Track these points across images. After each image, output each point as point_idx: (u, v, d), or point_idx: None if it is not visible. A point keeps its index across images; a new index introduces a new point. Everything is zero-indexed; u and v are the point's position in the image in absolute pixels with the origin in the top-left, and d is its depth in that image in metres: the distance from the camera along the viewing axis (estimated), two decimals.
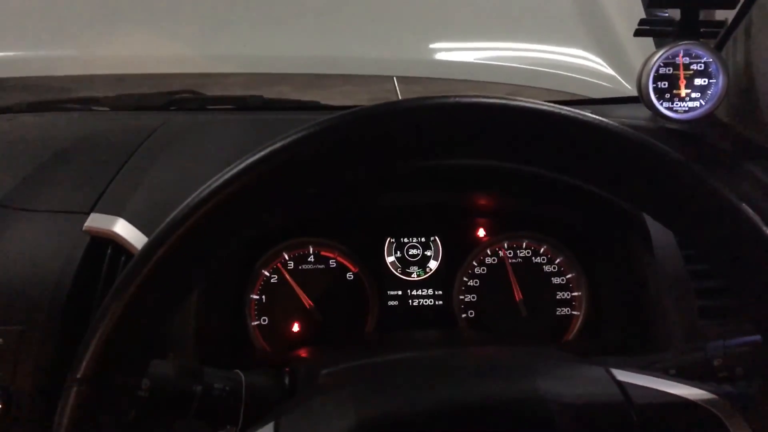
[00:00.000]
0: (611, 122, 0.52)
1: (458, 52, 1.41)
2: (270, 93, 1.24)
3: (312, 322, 0.88)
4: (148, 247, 0.52)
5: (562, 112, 0.50)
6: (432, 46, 1.40)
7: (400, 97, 1.60)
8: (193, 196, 0.53)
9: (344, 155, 0.53)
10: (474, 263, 0.91)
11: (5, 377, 0.68)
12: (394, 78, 1.61)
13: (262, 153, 0.52)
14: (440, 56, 1.41)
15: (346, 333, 0.89)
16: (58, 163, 0.89)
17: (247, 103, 1.22)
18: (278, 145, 0.53)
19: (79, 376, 0.47)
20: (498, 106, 0.50)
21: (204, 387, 0.61)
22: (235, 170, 0.51)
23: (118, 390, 0.51)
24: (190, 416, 0.61)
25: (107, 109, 1.16)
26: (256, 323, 0.88)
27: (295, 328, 0.89)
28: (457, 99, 0.50)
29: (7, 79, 1.29)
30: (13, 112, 1.15)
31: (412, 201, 0.90)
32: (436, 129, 0.51)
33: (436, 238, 0.92)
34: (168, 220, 0.53)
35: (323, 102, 1.25)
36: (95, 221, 0.78)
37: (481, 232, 0.92)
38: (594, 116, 0.51)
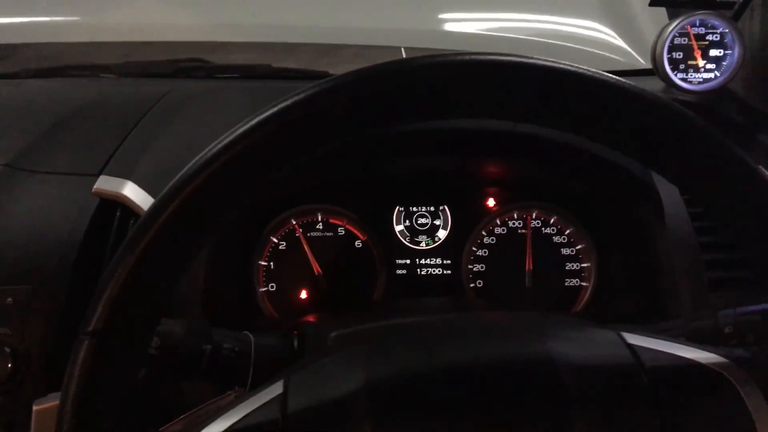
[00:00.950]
0: (627, 81, 0.51)
1: (467, 24, 1.40)
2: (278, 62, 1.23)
3: (319, 289, 0.88)
4: (159, 202, 0.52)
5: (575, 69, 0.49)
6: (441, 16, 1.39)
7: None
8: (204, 152, 0.53)
9: (358, 111, 0.53)
10: (483, 233, 0.91)
11: (14, 337, 0.68)
12: (402, 49, 1.60)
13: (273, 110, 0.52)
14: (449, 27, 1.40)
15: (354, 300, 0.89)
16: (66, 128, 0.89)
17: (255, 72, 1.21)
18: (290, 101, 0.52)
19: (90, 328, 0.47)
20: (514, 64, 0.49)
21: (213, 347, 0.61)
22: (246, 126, 0.51)
23: (128, 346, 0.51)
24: (198, 376, 0.61)
25: (114, 75, 1.15)
26: (264, 289, 0.88)
27: (303, 294, 0.88)
28: (473, 56, 0.49)
29: (15, 45, 1.28)
30: (20, 77, 1.14)
31: (422, 167, 0.89)
32: (453, 86, 0.50)
33: (446, 207, 0.91)
34: (179, 175, 0.53)
35: (332, 71, 1.24)
36: (104, 183, 0.78)
37: (491, 202, 0.91)
38: (609, 75, 0.50)
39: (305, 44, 1.38)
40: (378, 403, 0.47)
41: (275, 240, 0.88)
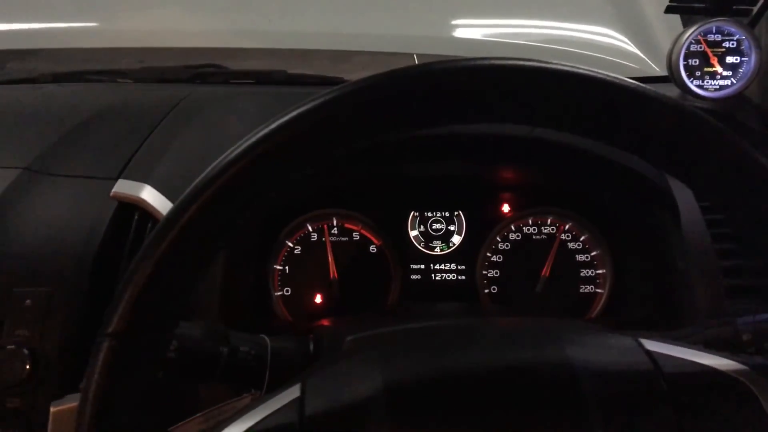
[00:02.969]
0: (648, 87, 0.51)
1: (480, 30, 1.40)
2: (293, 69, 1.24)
3: (334, 294, 0.88)
4: (179, 206, 0.52)
5: (600, 75, 0.49)
6: (454, 23, 1.39)
7: None
8: (224, 156, 0.53)
9: (376, 116, 0.53)
10: (498, 239, 0.91)
11: (32, 338, 0.68)
12: (415, 55, 1.60)
13: (292, 114, 0.52)
14: (462, 34, 1.40)
15: (368, 305, 0.89)
16: (84, 132, 0.90)
17: (271, 78, 1.21)
18: (309, 106, 0.52)
19: (111, 330, 0.47)
20: (529, 68, 0.49)
21: (230, 349, 0.62)
22: (265, 130, 0.51)
23: (148, 348, 0.51)
24: (215, 378, 0.62)
25: (131, 81, 1.16)
26: (279, 294, 0.88)
27: (318, 299, 0.89)
28: (492, 61, 0.49)
29: (34, 51, 1.29)
30: (38, 82, 1.16)
31: (437, 173, 0.89)
32: (471, 90, 0.51)
33: (460, 212, 0.91)
34: (198, 179, 0.53)
35: (347, 78, 1.24)
36: (122, 187, 0.79)
37: (506, 208, 0.91)
38: (630, 80, 0.50)
39: (320, 51, 1.38)
40: (396, 406, 0.47)
41: (290, 244, 0.89)
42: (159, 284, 0.51)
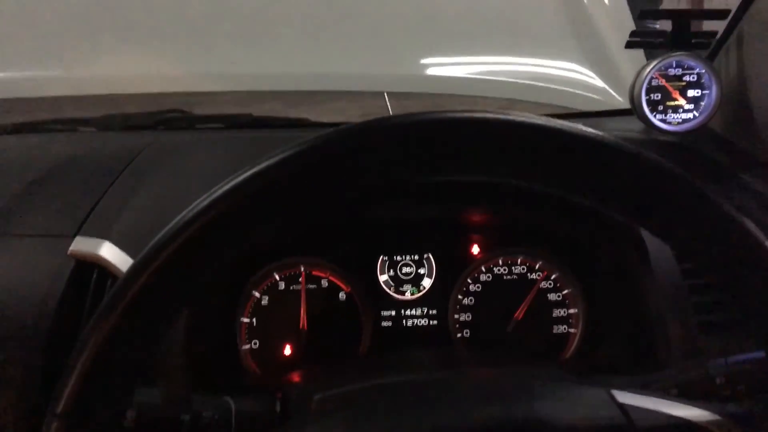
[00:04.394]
0: (605, 134, 0.50)
1: (450, 67, 1.40)
2: (260, 111, 1.23)
3: (304, 344, 0.86)
4: (130, 273, 0.51)
5: (556, 125, 0.49)
6: (423, 61, 1.40)
7: (391, 113, 1.60)
8: (178, 219, 0.52)
9: (332, 173, 0.52)
10: (468, 281, 0.89)
11: None
12: (385, 94, 1.60)
13: (246, 174, 0.51)
14: (432, 71, 1.41)
15: (339, 354, 0.87)
16: (43, 185, 0.87)
17: (236, 121, 1.20)
18: (262, 166, 0.51)
19: (58, 411, 0.45)
20: (481, 120, 0.49)
21: (192, 416, 0.59)
22: (220, 191, 0.50)
23: (101, 423, 0.49)
24: None
25: (94, 129, 1.14)
26: (247, 347, 0.86)
27: (287, 350, 0.87)
28: (447, 114, 0.49)
29: None
30: None
31: (404, 217, 0.88)
32: (427, 145, 0.50)
33: (430, 255, 0.90)
34: (154, 240, 0.52)
35: (312, 119, 1.24)
36: (80, 244, 0.76)
37: (475, 249, 0.90)
38: (588, 128, 0.50)
39: (287, 92, 1.38)
40: None
41: (257, 295, 0.87)
42: (111, 357, 0.49)
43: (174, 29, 1.37)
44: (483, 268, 0.90)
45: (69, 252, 0.75)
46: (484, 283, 0.89)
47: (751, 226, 0.47)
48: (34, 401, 0.66)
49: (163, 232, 0.51)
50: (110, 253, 0.76)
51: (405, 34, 1.41)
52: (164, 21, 1.37)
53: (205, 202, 0.50)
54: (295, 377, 0.79)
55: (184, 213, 0.51)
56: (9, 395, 0.66)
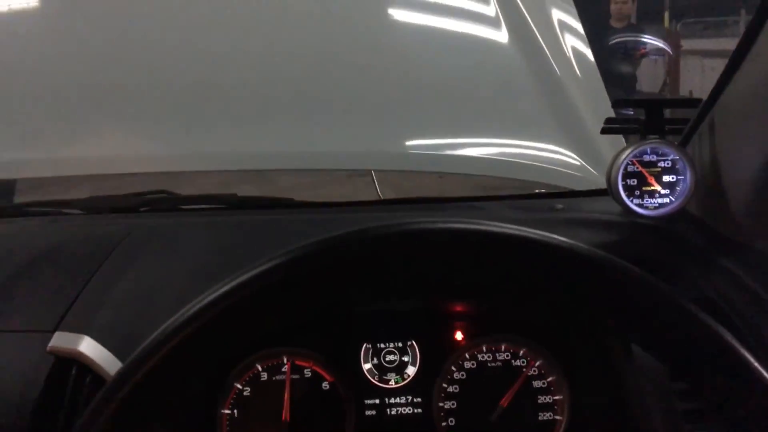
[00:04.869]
0: (572, 242, 0.51)
1: (433, 146, 1.43)
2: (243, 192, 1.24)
3: None
4: (115, 381, 0.51)
5: (528, 234, 0.50)
6: (409, 142, 1.42)
7: (378, 191, 1.62)
8: (165, 326, 0.52)
9: (316, 280, 0.53)
10: (453, 368, 0.89)
11: None
12: (372, 172, 1.63)
13: (228, 287, 0.52)
14: (415, 150, 1.43)
15: None
16: (21, 277, 0.87)
17: (221, 202, 1.21)
18: (246, 276, 0.52)
19: None
20: (447, 230, 0.50)
21: None
22: (198, 306, 0.50)
23: None
24: None
25: (78, 212, 1.15)
26: None
27: None
28: (410, 225, 0.50)
29: None
30: None
31: (386, 308, 0.88)
32: (403, 254, 0.51)
33: (413, 342, 0.90)
34: (137, 351, 0.52)
35: (297, 199, 1.25)
36: (59, 340, 0.76)
37: (459, 336, 0.90)
38: (558, 238, 0.51)
39: (272, 171, 1.40)
40: None
41: (239, 386, 0.86)
42: None
43: (157, 108, 1.38)
44: (467, 356, 0.89)
45: (48, 349, 0.74)
46: (468, 371, 0.89)
47: (730, 339, 0.48)
48: None
49: (148, 339, 0.51)
50: (90, 348, 0.75)
51: (389, 113, 1.44)
52: (147, 100, 1.39)
53: (186, 315, 0.50)
54: None
55: (171, 320, 0.52)
56: None
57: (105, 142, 1.32)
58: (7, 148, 1.27)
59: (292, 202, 1.24)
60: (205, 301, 0.51)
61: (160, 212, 1.17)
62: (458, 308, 0.89)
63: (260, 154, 1.37)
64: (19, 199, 1.32)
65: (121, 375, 0.50)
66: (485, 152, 1.42)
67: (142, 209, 1.16)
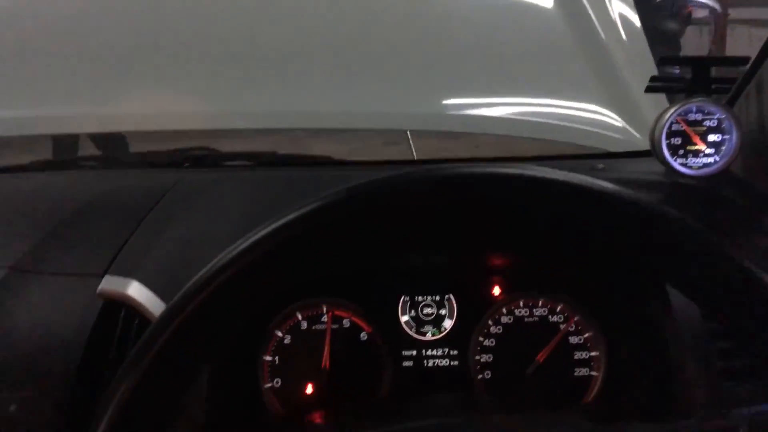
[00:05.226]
0: (625, 190, 0.51)
1: (471, 106, 1.42)
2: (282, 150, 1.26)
3: (326, 384, 0.87)
4: (163, 318, 0.52)
5: (580, 181, 0.50)
6: (445, 101, 1.42)
7: (414, 151, 1.62)
8: (211, 264, 0.53)
9: (358, 224, 0.54)
10: (489, 322, 0.90)
11: None
12: (408, 132, 1.63)
13: (279, 223, 0.53)
14: (452, 111, 1.42)
15: (360, 394, 0.88)
16: (73, 225, 0.90)
17: (261, 159, 1.23)
18: (298, 213, 0.53)
19: None
20: (493, 175, 0.51)
21: None
22: (253, 239, 0.52)
23: None
24: None
25: (123, 167, 1.17)
26: (269, 385, 0.87)
27: (309, 389, 0.87)
28: (451, 170, 0.50)
29: (23, 138, 1.31)
30: (29, 170, 1.17)
31: (426, 259, 0.89)
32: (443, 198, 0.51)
33: (451, 296, 0.91)
34: (184, 289, 0.53)
35: (335, 157, 1.26)
36: (108, 284, 0.78)
37: (497, 290, 0.91)
38: (606, 184, 0.51)
39: (310, 129, 1.41)
40: None
41: (280, 334, 0.88)
42: (141, 401, 0.50)
43: (199, 67, 1.40)
44: (504, 310, 0.90)
45: (97, 292, 0.77)
46: (505, 325, 0.90)
47: None
48: None
49: (198, 275, 0.53)
50: (138, 292, 0.77)
51: (427, 73, 1.43)
52: (191, 59, 1.41)
53: (240, 248, 0.52)
54: (318, 418, 0.80)
55: (216, 259, 0.53)
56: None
57: (147, 98, 1.34)
58: (53, 104, 1.30)
59: (330, 160, 1.25)
60: (252, 240, 0.52)
61: (204, 168, 1.20)
62: (496, 262, 0.90)
63: (298, 113, 1.38)
64: (66, 155, 1.36)
65: (167, 314, 0.52)
66: (524, 115, 1.40)
67: (186, 165, 1.18)
